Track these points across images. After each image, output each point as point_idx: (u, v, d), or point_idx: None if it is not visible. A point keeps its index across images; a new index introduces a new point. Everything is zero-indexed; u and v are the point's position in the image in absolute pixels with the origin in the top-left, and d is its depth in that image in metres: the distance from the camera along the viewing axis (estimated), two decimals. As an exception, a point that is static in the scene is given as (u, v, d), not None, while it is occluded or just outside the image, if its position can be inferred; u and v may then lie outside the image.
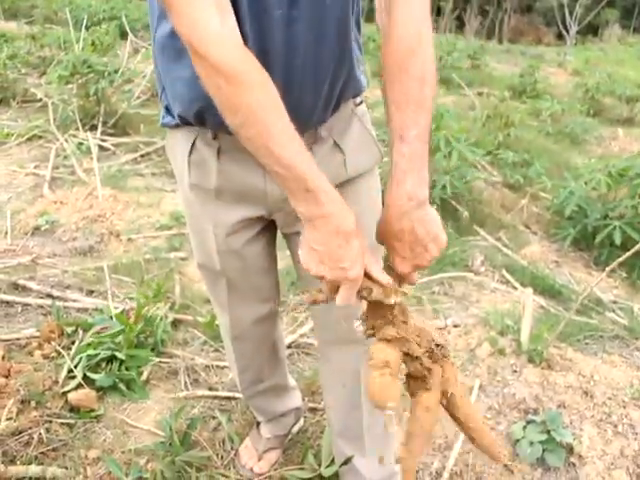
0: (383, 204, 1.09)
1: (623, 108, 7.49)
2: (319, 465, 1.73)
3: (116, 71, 5.39)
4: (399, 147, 1.04)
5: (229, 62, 0.92)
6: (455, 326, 2.61)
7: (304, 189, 0.97)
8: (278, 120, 0.95)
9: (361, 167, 1.30)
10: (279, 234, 1.44)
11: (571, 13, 19.11)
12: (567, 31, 19.96)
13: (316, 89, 1.11)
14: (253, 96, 0.93)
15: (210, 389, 2.18)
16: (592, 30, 23.58)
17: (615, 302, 3.01)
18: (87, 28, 7.00)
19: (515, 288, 3.01)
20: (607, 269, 2.23)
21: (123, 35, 8.41)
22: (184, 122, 1.21)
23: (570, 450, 1.98)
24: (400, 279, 1.09)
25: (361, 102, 1.30)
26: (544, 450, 1.94)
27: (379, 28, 1.11)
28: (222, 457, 1.89)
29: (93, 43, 6.43)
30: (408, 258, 1.07)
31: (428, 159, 1.07)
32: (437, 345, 1.03)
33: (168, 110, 1.25)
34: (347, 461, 1.63)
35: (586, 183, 3.58)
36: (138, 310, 2.28)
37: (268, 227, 1.38)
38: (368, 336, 1.07)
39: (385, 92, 1.08)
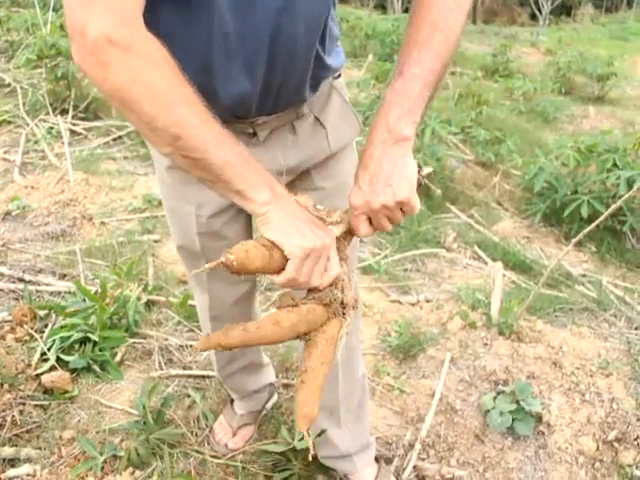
0: None
1: (594, 86, 7.57)
2: (293, 439, 1.75)
3: (86, 54, 5.30)
4: (394, 81, 1.01)
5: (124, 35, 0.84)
6: (427, 301, 2.64)
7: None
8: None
9: (343, 140, 1.31)
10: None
11: (544, -7, 19.15)
12: (540, 11, 19.99)
13: (299, 70, 1.11)
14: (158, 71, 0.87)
15: (184, 368, 2.19)
16: (565, 10, 23.65)
17: (584, 276, 3.07)
18: (55, 10, 6.87)
19: (486, 264, 3.06)
20: (573, 241, 2.27)
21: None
22: None
23: (539, 419, 2.03)
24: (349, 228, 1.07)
25: (339, 75, 1.30)
26: (514, 419, 1.98)
27: None
28: (196, 434, 1.91)
29: (61, 26, 6.29)
30: (364, 191, 1.02)
31: (426, 107, 1.02)
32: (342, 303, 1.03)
33: None
34: (321, 433, 1.66)
35: (556, 158, 3.63)
36: (103, 287, 2.26)
37: None
38: None
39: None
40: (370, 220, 1.05)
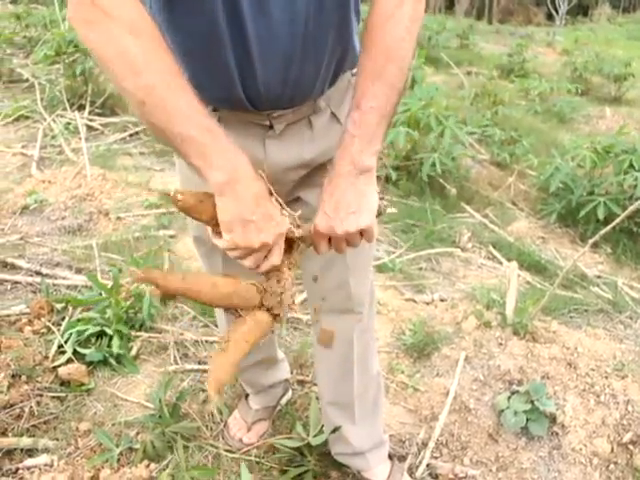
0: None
1: (611, 87, 7.51)
2: (307, 435, 1.76)
3: (103, 50, 5.34)
4: (353, 114, 1.05)
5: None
6: (442, 300, 2.64)
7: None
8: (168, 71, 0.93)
9: None
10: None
11: (561, -7, 19.05)
12: (557, 11, 19.89)
13: (316, 60, 1.12)
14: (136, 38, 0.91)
15: (199, 363, 2.20)
16: (582, 10, 23.51)
17: (599, 277, 3.05)
18: (73, 7, 6.91)
19: (501, 264, 3.05)
20: (589, 242, 2.26)
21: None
22: None
23: (553, 419, 2.02)
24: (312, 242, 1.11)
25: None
26: (528, 420, 1.98)
27: None
28: (211, 428, 1.92)
29: (79, 22, 6.34)
30: (329, 217, 1.07)
31: (384, 135, 1.08)
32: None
33: None
34: (336, 429, 1.66)
35: (572, 159, 3.61)
36: (116, 281, 2.27)
37: None
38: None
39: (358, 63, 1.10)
40: (329, 240, 1.12)
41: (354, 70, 1.29)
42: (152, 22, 0.92)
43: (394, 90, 1.06)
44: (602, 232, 2.34)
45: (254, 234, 0.98)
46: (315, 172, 1.32)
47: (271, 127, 1.20)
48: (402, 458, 1.87)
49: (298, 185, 1.32)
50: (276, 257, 1.04)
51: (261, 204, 0.99)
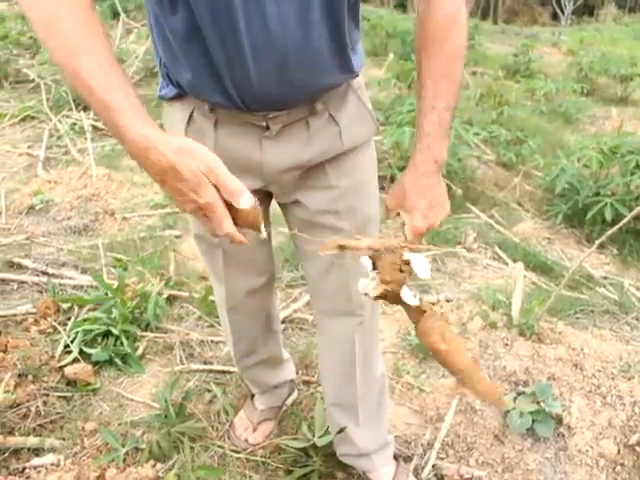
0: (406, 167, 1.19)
1: (617, 87, 7.48)
2: (313, 435, 1.76)
3: (109, 51, 5.35)
4: (431, 116, 1.14)
5: None
6: (447, 301, 2.58)
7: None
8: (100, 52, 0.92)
9: (357, 139, 1.32)
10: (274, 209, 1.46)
11: (567, -7, 19.02)
12: (562, 11, 19.85)
13: (312, 66, 1.12)
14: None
15: (205, 363, 2.20)
16: (588, 10, 23.46)
17: (606, 278, 3.04)
18: (79, 7, 6.92)
19: (507, 264, 3.04)
20: (596, 242, 2.25)
21: (115, 15, 8.34)
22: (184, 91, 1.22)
23: (559, 421, 2.01)
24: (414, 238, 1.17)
25: (357, 75, 1.31)
26: (534, 421, 1.97)
27: (415, 11, 1.18)
28: (217, 429, 1.93)
29: (85, 23, 6.35)
30: (426, 216, 1.17)
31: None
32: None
33: (170, 80, 1.25)
34: (341, 430, 1.67)
35: (578, 160, 3.60)
36: (121, 280, 2.28)
37: (264, 198, 1.40)
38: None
39: (420, 66, 1.16)
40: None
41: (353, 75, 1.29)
42: None
43: (458, 85, 1.17)
44: (609, 233, 2.34)
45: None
46: (312, 174, 1.32)
47: (267, 128, 1.21)
48: (408, 459, 1.87)
49: (296, 187, 1.33)
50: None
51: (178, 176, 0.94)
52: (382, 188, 3.80)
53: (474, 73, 7.71)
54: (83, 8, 0.92)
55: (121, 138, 0.91)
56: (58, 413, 1.90)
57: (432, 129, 1.14)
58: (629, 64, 7.55)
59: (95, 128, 4.66)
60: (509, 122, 5.01)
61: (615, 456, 1.93)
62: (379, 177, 3.85)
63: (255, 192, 1.34)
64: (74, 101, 4.93)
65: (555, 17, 22.49)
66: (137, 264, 2.50)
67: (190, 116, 1.24)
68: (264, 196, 1.39)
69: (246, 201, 0.93)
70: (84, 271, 2.73)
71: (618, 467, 1.90)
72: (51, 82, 5.31)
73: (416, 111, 1.20)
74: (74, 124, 4.63)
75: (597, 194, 3.49)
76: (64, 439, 1.82)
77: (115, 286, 2.33)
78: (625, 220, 2.31)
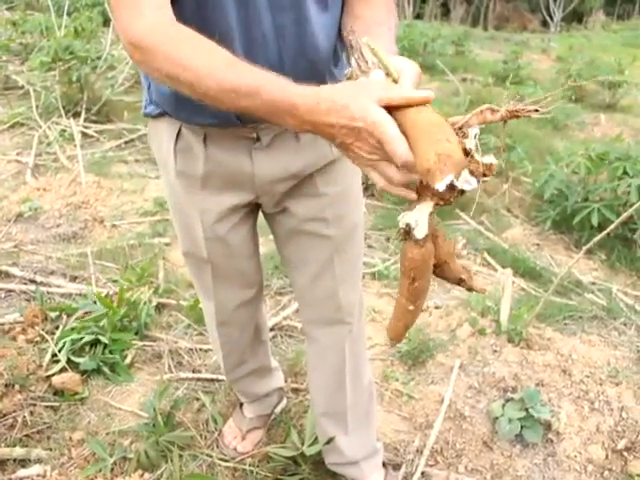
0: None
1: (605, 94, 7.52)
2: (302, 444, 1.76)
3: (99, 57, 5.35)
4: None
5: (147, 35, 0.94)
6: (436, 307, 2.65)
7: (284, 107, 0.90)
8: (222, 58, 0.93)
9: None
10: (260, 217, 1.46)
11: (555, 0, 19.13)
12: (551, 18, 19.97)
13: (308, 74, 1.12)
14: (182, 52, 0.93)
15: (194, 371, 2.20)
16: (577, 17, 23.60)
17: (594, 283, 3.06)
18: (69, 14, 6.92)
19: (496, 270, 3.05)
20: (584, 249, 2.27)
21: (106, 22, 8.32)
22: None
23: (548, 427, 2.02)
24: None
25: None
26: (522, 427, 1.98)
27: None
28: (206, 437, 1.92)
29: (75, 30, 6.35)
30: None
31: None
32: None
33: (151, 100, 1.26)
34: (330, 441, 1.66)
35: (567, 166, 3.61)
36: (120, 294, 2.29)
37: (252, 211, 1.40)
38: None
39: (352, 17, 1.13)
40: None
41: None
42: (184, 27, 0.96)
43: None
44: (596, 239, 2.35)
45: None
46: (304, 184, 1.32)
47: (258, 139, 1.21)
48: (397, 466, 1.87)
49: (285, 196, 1.33)
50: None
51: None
52: (372, 195, 3.81)
53: (464, 79, 7.74)
54: (176, 29, 0.96)
55: (294, 114, 0.88)
56: (45, 423, 1.89)
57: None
58: (617, 71, 7.60)
59: (85, 135, 4.65)
60: (498, 128, 5.02)
61: (603, 461, 1.94)
62: (370, 184, 3.88)
63: (245, 205, 1.34)
64: (64, 107, 4.91)
65: (545, 24, 22.62)
66: (126, 279, 2.49)
67: (178, 132, 1.24)
68: (252, 209, 1.39)
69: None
70: (72, 279, 2.72)
71: (606, 472, 1.91)
72: (41, 88, 5.29)
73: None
74: (63, 131, 4.61)
75: (585, 200, 3.51)
76: (51, 449, 1.81)
77: (104, 294, 2.32)
78: (612, 226, 2.33)
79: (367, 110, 0.83)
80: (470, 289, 0.98)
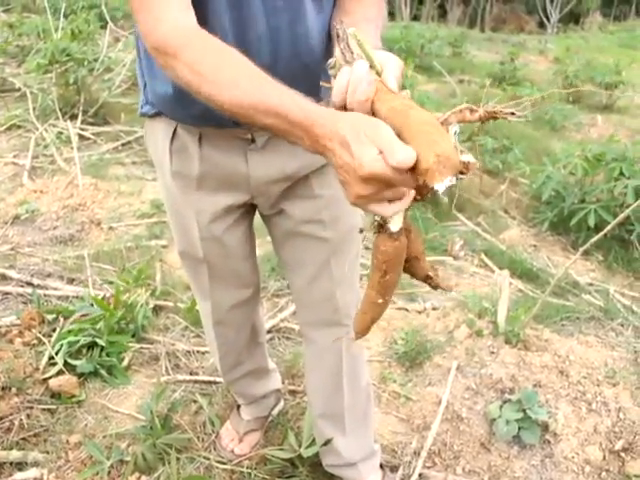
0: None
1: (602, 95, 7.55)
2: (299, 446, 1.76)
3: (96, 60, 5.34)
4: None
5: (170, 40, 0.94)
6: (434, 309, 2.65)
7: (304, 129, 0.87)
8: (244, 72, 0.92)
9: None
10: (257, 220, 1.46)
11: (552, 1, 19.18)
12: (548, 19, 20.02)
13: (302, 75, 1.12)
14: (204, 62, 0.93)
15: (191, 374, 2.20)
16: (574, 18, 23.65)
17: (591, 284, 3.06)
18: (66, 17, 6.92)
19: (493, 272, 3.05)
20: (580, 249, 2.27)
21: (103, 24, 8.32)
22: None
23: (545, 428, 2.02)
24: None
25: None
26: (520, 428, 1.98)
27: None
28: (203, 440, 1.92)
29: (72, 32, 6.34)
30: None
31: None
32: None
33: (147, 100, 1.26)
34: (327, 442, 1.66)
35: (564, 167, 3.62)
36: (117, 295, 2.28)
37: (247, 211, 1.40)
38: None
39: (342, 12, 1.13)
40: None
41: None
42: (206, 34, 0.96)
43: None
44: (593, 240, 2.35)
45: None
46: (297, 184, 1.32)
47: (253, 141, 1.21)
48: (394, 468, 1.87)
49: (281, 197, 1.33)
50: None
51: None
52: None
53: (461, 81, 7.76)
54: (199, 36, 0.96)
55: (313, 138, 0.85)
56: (42, 426, 1.89)
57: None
58: (614, 72, 7.62)
59: (82, 137, 4.65)
60: (495, 130, 5.03)
61: (600, 462, 1.94)
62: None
63: (240, 206, 1.34)
64: (61, 110, 4.90)
65: (542, 25, 22.67)
66: (123, 279, 2.49)
67: (174, 132, 1.25)
68: (248, 209, 1.39)
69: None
70: (70, 281, 2.71)
71: (603, 473, 1.91)
72: (37, 91, 5.28)
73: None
74: (60, 133, 4.61)
75: (582, 201, 3.52)
76: (48, 452, 1.80)
77: (101, 297, 2.32)
78: (609, 227, 2.33)
79: (366, 154, 0.77)
80: (436, 287, 0.98)
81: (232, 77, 0.91)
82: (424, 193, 0.81)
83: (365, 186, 0.79)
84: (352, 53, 0.91)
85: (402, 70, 0.92)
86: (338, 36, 0.91)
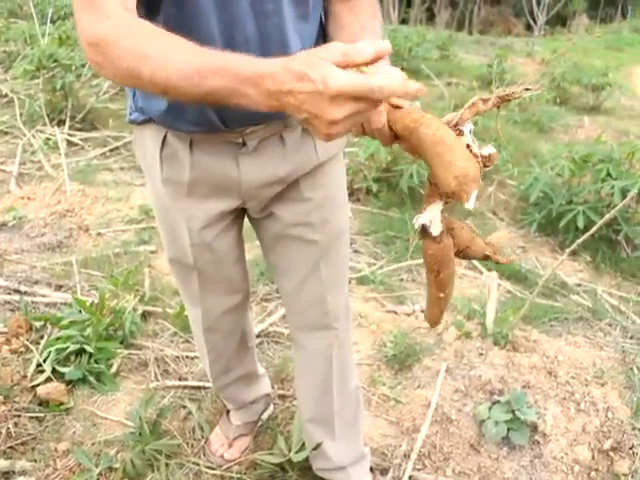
0: None
1: (589, 96, 7.59)
2: (289, 450, 1.76)
3: (83, 65, 5.33)
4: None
5: (110, 32, 0.91)
6: (423, 311, 2.65)
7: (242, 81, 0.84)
8: (186, 45, 0.89)
9: (331, 150, 1.33)
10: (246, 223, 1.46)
11: (539, 4, 19.30)
12: (535, 22, 20.14)
13: None
14: (143, 43, 0.90)
15: (180, 379, 2.19)
16: (560, 21, 23.81)
17: (579, 285, 3.08)
18: (53, 22, 6.90)
19: (482, 273, 3.06)
20: (567, 251, 2.28)
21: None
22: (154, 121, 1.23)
23: (534, 428, 2.03)
24: None
25: None
26: (509, 429, 1.99)
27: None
28: (192, 445, 1.91)
29: (60, 37, 6.32)
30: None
31: None
32: None
33: (136, 107, 1.26)
34: (317, 446, 1.66)
35: (551, 168, 3.64)
36: (101, 299, 2.26)
37: (237, 217, 1.40)
38: None
39: (335, 35, 1.15)
40: None
41: None
42: (146, 23, 0.93)
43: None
44: (580, 240, 2.37)
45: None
46: (289, 189, 1.32)
47: (244, 144, 1.21)
48: (384, 471, 1.87)
49: (271, 201, 1.33)
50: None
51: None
52: (358, 200, 3.82)
53: (449, 84, 7.78)
54: (139, 24, 0.93)
55: (258, 89, 0.82)
56: (30, 434, 1.88)
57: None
58: (601, 74, 7.67)
59: (69, 143, 4.63)
60: (483, 132, 5.05)
61: (590, 462, 1.95)
62: (355, 189, 3.89)
63: (232, 211, 1.34)
64: (48, 116, 4.89)
65: (530, 28, 22.80)
66: (112, 282, 2.48)
67: (164, 139, 1.24)
68: (238, 214, 1.39)
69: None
70: (57, 288, 2.70)
71: (593, 473, 1.92)
72: (25, 97, 5.26)
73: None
74: (48, 139, 4.59)
75: (570, 202, 3.53)
76: (36, 461, 1.79)
77: (90, 303, 2.31)
78: (595, 227, 2.34)
79: (327, 73, 0.76)
80: (497, 262, 1.04)
81: (174, 50, 0.88)
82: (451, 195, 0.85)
83: (337, 107, 0.77)
84: None
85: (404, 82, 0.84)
86: None
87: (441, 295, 0.98)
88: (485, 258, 1.02)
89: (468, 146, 0.86)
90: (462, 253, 0.99)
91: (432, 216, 0.91)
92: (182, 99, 0.91)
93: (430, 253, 0.93)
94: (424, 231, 0.92)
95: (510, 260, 1.09)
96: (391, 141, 0.93)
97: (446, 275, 0.96)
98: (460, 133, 0.87)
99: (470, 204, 0.78)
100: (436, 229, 0.91)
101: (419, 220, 0.91)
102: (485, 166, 0.87)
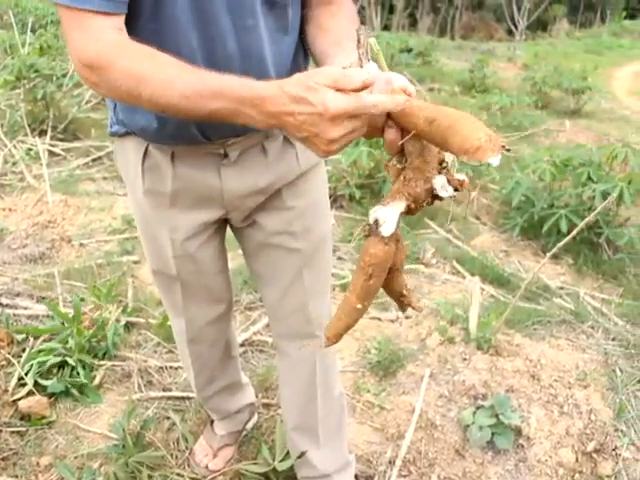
0: None
1: (570, 100, 7.66)
2: (274, 459, 1.75)
3: (65, 75, 5.30)
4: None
5: (104, 54, 0.94)
6: (406, 317, 2.66)
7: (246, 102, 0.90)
8: (183, 67, 0.93)
9: (312, 159, 1.33)
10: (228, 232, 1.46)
11: (520, 9, 19.47)
12: (516, 27, 20.29)
13: None
14: (141, 66, 0.93)
15: (164, 390, 2.18)
16: (541, 26, 24.03)
17: (562, 288, 3.10)
18: (34, 32, 6.87)
19: (465, 278, 3.08)
20: (548, 254, 2.30)
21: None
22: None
23: (518, 432, 2.04)
24: None
25: None
26: (493, 434, 1.99)
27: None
28: (176, 457, 1.90)
29: (41, 47, 6.29)
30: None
31: None
32: None
33: (117, 119, 1.26)
34: (302, 455, 1.66)
35: (533, 172, 3.66)
36: (76, 310, 2.24)
37: (220, 227, 1.40)
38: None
39: (317, 37, 1.15)
40: None
41: None
42: (139, 44, 0.96)
43: None
44: (561, 243, 2.39)
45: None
46: (270, 198, 1.33)
47: (226, 156, 1.22)
48: (370, 478, 1.88)
49: (254, 210, 1.33)
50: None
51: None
52: (341, 207, 3.82)
53: (431, 89, 7.82)
54: (131, 45, 0.96)
55: (260, 110, 0.88)
56: (11, 449, 1.86)
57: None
58: (581, 77, 7.75)
59: (51, 153, 4.60)
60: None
61: (573, 464, 1.96)
62: (338, 196, 3.88)
63: (215, 222, 1.35)
64: (29, 126, 4.85)
65: (511, 33, 22.98)
66: (94, 294, 2.46)
67: (145, 151, 1.24)
68: (221, 225, 1.40)
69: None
70: (40, 300, 2.68)
71: (577, 475, 1.93)
72: (5, 107, 5.22)
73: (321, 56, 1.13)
74: (29, 150, 4.56)
75: (552, 206, 3.56)
76: (17, 477, 1.77)
77: (71, 315, 2.29)
78: (576, 230, 2.36)
79: (326, 96, 0.84)
80: (408, 306, 1.00)
81: (172, 73, 0.92)
82: (431, 200, 0.89)
83: (336, 127, 0.85)
84: (368, 60, 0.93)
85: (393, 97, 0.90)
86: (359, 41, 0.92)
87: (358, 306, 0.91)
88: (399, 296, 0.98)
89: (447, 164, 0.90)
90: (388, 275, 0.93)
91: (390, 213, 0.87)
92: (184, 118, 0.96)
93: (372, 252, 0.87)
94: (375, 226, 0.88)
95: (420, 308, 1.05)
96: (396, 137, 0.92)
97: (375, 283, 0.90)
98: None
99: (495, 161, 0.77)
100: (388, 229, 0.87)
101: (375, 213, 0.88)
102: (456, 190, 0.90)
